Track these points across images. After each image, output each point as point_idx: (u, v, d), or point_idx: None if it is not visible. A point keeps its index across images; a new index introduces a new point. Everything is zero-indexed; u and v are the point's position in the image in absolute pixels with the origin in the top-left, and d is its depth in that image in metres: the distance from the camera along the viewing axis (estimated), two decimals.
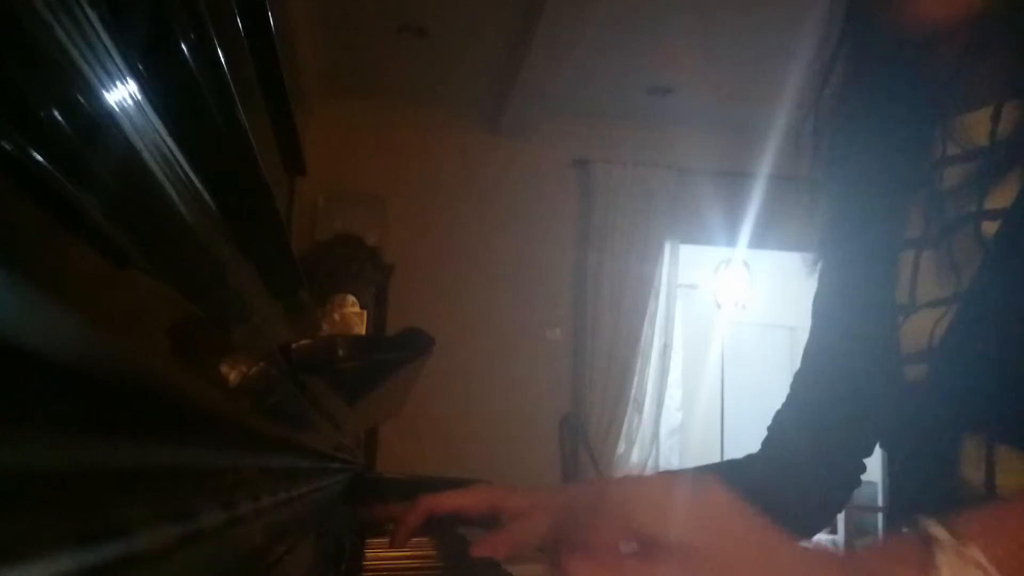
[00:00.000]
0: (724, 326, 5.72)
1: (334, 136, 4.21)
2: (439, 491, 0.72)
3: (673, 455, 5.27)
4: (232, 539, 0.34)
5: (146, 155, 0.31)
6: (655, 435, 4.41)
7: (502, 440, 4.08)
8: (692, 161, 4.42)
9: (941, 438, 0.58)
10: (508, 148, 4.41)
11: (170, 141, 0.35)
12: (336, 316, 3.76)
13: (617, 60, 3.84)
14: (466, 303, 4.22)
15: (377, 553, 0.95)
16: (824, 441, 0.76)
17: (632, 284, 4.30)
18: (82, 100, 0.25)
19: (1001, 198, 0.56)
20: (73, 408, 0.19)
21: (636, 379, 4.27)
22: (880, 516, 5.05)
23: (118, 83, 0.28)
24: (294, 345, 0.70)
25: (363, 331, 3.77)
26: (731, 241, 4.51)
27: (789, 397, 0.81)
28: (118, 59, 0.28)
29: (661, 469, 4.81)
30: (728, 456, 5.36)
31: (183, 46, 0.37)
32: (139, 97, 0.31)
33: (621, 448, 4.23)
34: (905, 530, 0.45)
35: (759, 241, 4.47)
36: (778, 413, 0.82)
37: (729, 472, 0.79)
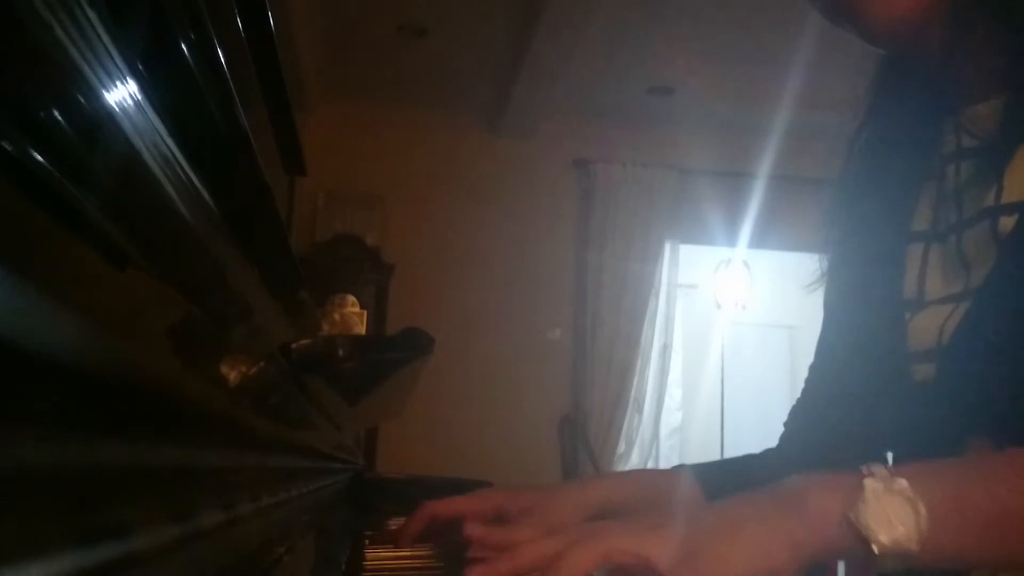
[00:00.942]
0: (724, 326, 5.72)
1: (334, 136, 4.21)
2: (439, 491, 0.72)
3: (673, 455, 5.27)
4: (232, 539, 0.34)
5: (146, 155, 0.31)
6: (655, 435, 4.41)
7: (502, 440, 4.08)
8: (692, 161, 4.42)
9: (947, 439, 0.58)
10: (508, 148, 4.41)
11: (170, 141, 0.35)
12: (336, 316, 3.76)
13: (617, 60, 3.84)
14: (466, 303, 4.22)
15: (377, 553, 0.95)
16: (835, 439, 0.75)
17: (632, 284, 4.30)
18: (82, 100, 0.25)
19: (1018, 192, 0.56)
20: (73, 408, 0.19)
21: (636, 379, 4.27)
22: None
23: (118, 83, 0.28)
24: (294, 345, 0.70)
25: (363, 331, 3.77)
26: (731, 241, 4.50)
27: (803, 392, 0.80)
28: (118, 59, 0.28)
29: (661, 468, 4.81)
30: (727, 456, 5.35)
31: (183, 46, 0.37)
32: (139, 97, 0.31)
33: (621, 448, 4.23)
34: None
35: (759, 241, 4.47)
36: (793, 409, 0.82)
37: (745, 466, 0.80)
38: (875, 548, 0.43)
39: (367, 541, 1.00)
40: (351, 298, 3.85)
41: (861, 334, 0.70)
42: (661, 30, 3.59)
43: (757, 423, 5.78)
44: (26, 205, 0.19)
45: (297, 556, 0.54)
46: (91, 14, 0.26)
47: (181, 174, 0.37)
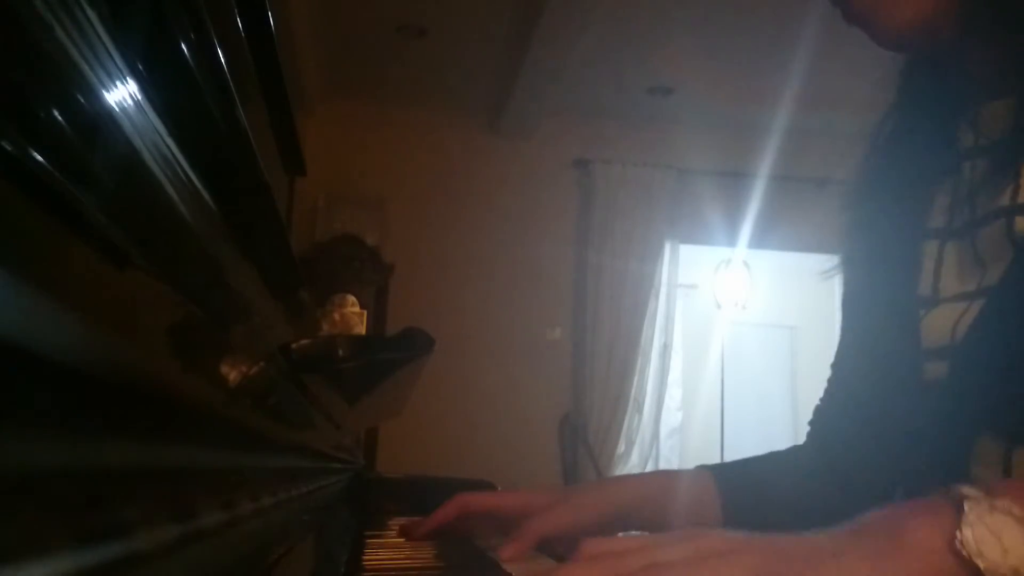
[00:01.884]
0: (724, 326, 5.72)
1: (334, 136, 4.21)
2: (439, 491, 0.73)
3: (673, 455, 5.27)
4: (232, 539, 0.34)
5: (146, 155, 0.31)
6: (655, 435, 4.41)
7: (502, 440, 4.08)
8: (692, 161, 4.42)
9: (959, 437, 0.58)
10: (508, 148, 4.41)
11: (170, 141, 0.35)
12: (336, 316, 3.76)
13: (617, 60, 3.84)
14: (466, 303, 4.22)
15: (377, 553, 0.95)
16: (857, 438, 0.75)
17: (632, 284, 4.30)
18: (82, 100, 0.25)
19: None
20: (73, 408, 0.19)
21: (636, 379, 4.27)
22: None
23: (118, 83, 0.28)
24: (294, 345, 0.70)
25: (363, 331, 3.77)
26: (731, 241, 4.50)
27: (826, 392, 0.81)
28: (118, 59, 0.28)
29: (662, 468, 4.82)
30: (727, 456, 5.35)
31: (183, 46, 0.37)
32: (139, 97, 0.31)
33: (621, 448, 4.23)
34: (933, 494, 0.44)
35: (759, 241, 4.47)
36: (817, 408, 0.82)
37: (767, 467, 0.80)
38: (986, 573, 0.40)
39: (367, 541, 1.00)
40: (351, 298, 3.85)
41: (875, 331, 0.70)
42: (661, 30, 3.59)
43: (757, 423, 5.78)
44: (26, 205, 0.19)
45: (297, 556, 0.54)
46: (91, 14, 0.26)
47: (181, 174, 0.37)
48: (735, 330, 5.82)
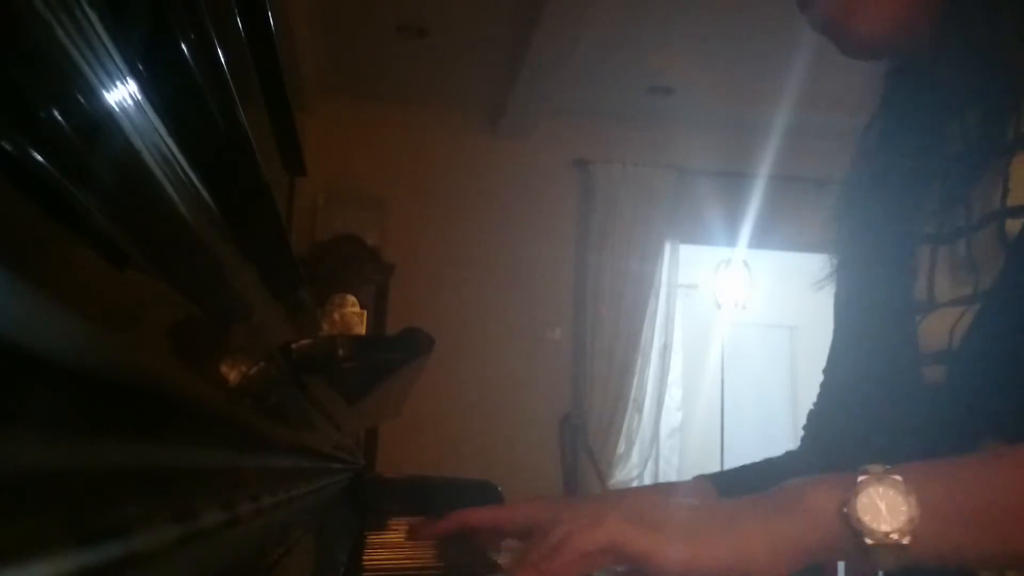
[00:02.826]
0: (724, 326, 5.72)
1: (334, 136, 4.21)
2: (439, 491, 0.72)
3: (673, 455, 5.26)
4: (232, 539, 0.34)
5: (146, 155, 0.31)
6: (655, 435, 4.41)
7: (502, 440, 4.08)
8: (692, 161, 4.42)
9: (958, 441, 0.58)
10: (508, 148, 4.41)
11: (170, 141, 0.35)
12: (336, 316, 3.76)
13: (617, 60, 3.84)
14: (466, 303, 4.22)
15: (377, 553, 0.95)
16: (852, 442, 0.75)
17: (632, 284, 4.30)
18: (82, 100, 0.25)
19: (1023, 194, 0.56)
20: (73, 408, 0.19)
21: (636, 379, 4.27)
22: None
23: (118, 83, 0.28)
24: (294, 345, 0.70)
25: (363, 331, 3.77)
26: (731, 241, 4.51)
27: (819, 396, 0.81)
28: (118, 59, 0.28)
29: (661, 469, 4.82)
30: (727, 456, 5.36)
31: (183, 46, 0.37)
32: (139, 97, 0.31)
33: (621, 448, 4.23)
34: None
35: (759, 241, 4.47)
36: (810, 413, 0.82)
37: (763, 472, 0.80)
38: (868, 540, 0.44)
39: (367, 541, 1.00)
40: (351, 298, 3.85)
41: (871, 336, 0.70)
42: (661, 30, 3.59)
43: (757, 423, 5.78)
44: (26, 205, 0.19)
45: (297, 556, 0.54)
46: (91, 14, 0.26)
47: (181, 174, 0.37)
48: (735, 330, 5.82)
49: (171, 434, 0.29)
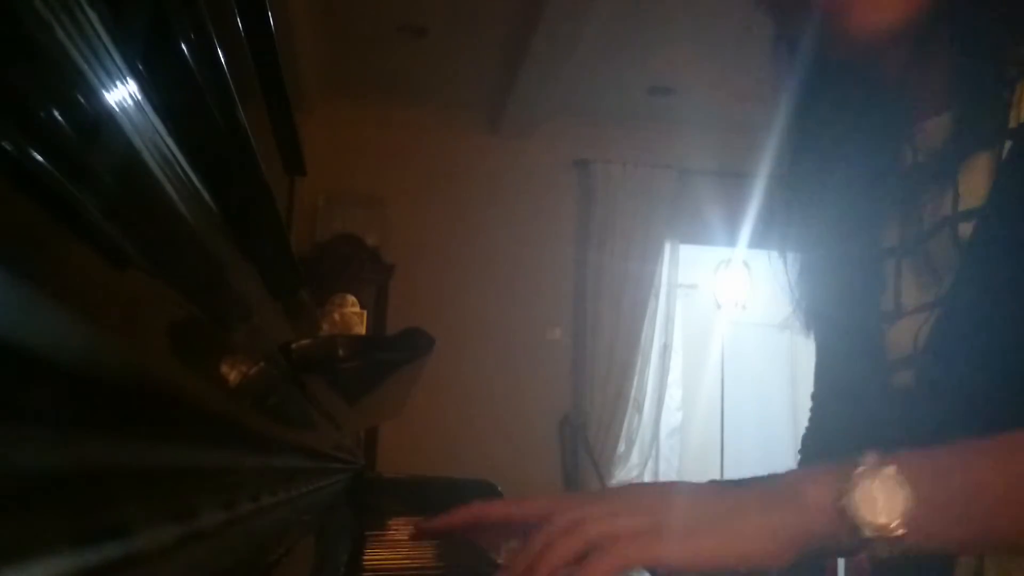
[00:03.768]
0: (724, 326, 5.72)
1: (334, 136, 4.21)
2: (439, 491, 0.72)
3: (673, 455, 5.26)
4: (232, 539, 0.34)
5: (146, 155, 0.31)
6: (655, 435, 4.41)
7: (502, 440, 4.08)
8: (692, 161, 4.42)
9: (930, 443, 0.59)
10: (508, 148, 4.41)
11: (170, 141, 0.35)
12: (336, 316, 3.76)
13: (617, 60, 3.84)
14: (466, 303, 4.22)
15: (377, 553, 0.95)
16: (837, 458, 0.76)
17: (632, 284, 4.29)
18: (82, 100, 0.25)
19: (973, 198, 0.57)
20: (73, 408, 0.19)
21: (636, 379, 4.26)
22: None
23: (118, 83, 0.28)
24: (294, 345, 0.70)
25: (363, 331, 3.77)
26: (731, 241, 4.50)
27: (810, 420, 0.81)
28: (118, 59, 0.28)
29: (661, 469, 4.82)
30: (727, 456, 5.35)
31: (183, 46, 0.37)
32: (139, 97, 0.31)
33: (621, 448, 4.23)
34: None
35: (759, 241, 4.47)
36: (804, 437, 0.82)
37: None
38: (865, 532, 0.44)
39: (367, 541, 1.00)
40: (351, 298, 3.85)
41: (841, 350, 0.72)
42: (661, 30, 3.59)
43: (757, 423, 5.77)
44: (26, 205, 0.19)
45: (297, 556, 0.54)
46: (91, 14, 0.26)
47: (181, 174, 0.37)
48: (735, 330, 5.82)
49: (171, 434, 0.29)
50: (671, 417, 5.06)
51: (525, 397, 4.22)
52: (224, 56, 0.43)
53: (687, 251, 4.58)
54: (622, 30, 3.56)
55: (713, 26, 3.53)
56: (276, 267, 0.69)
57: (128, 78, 0.30)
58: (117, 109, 0.28)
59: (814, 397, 0.81)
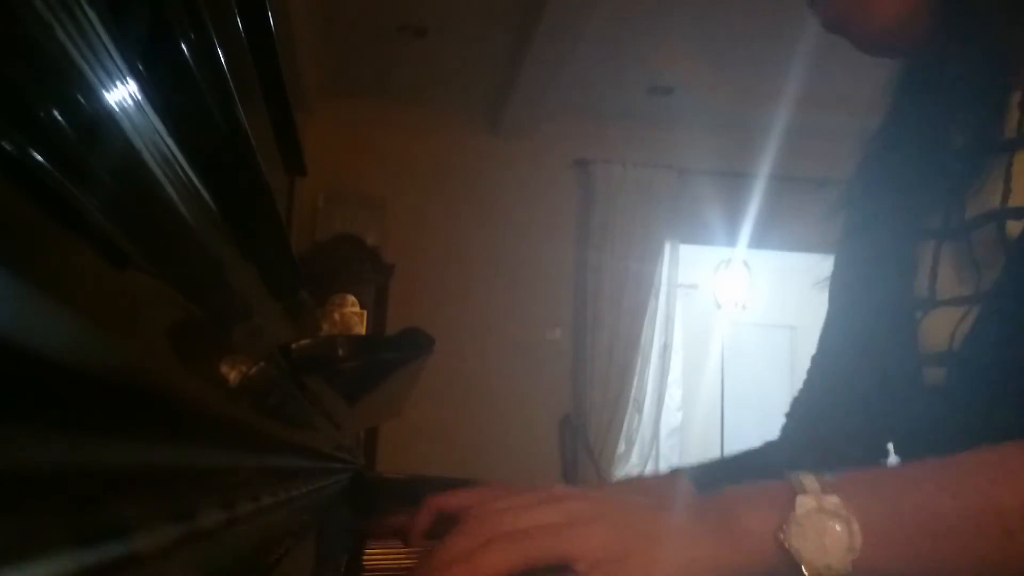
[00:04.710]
0: (724, 326, 5.72)
1: (334, 136, 4.21)
2: (439, 491, 0.72)
3: (673, 455, 5.27)
4: (232, 539, 0.34)
5: (146, 155, 0.31)
6: (655, 435, 4.41)
7: (502, 440, 4.08)
8: (692, 161, 4.42)
9: (957, 444, 0.58)
10: (508, 148, 4.41)
11: (170, 141, 0.35)
12: (336, 316, 3.76)
13: (617, 60, 3.84)
14: (466, 303, 4.22)
15: (377, 553, 0.95)
16: (839, 436, 0.74)
17: (632, 284, 4.29)
18: (82, 100, 0.25)
19: None
20: (73, 408, 0.19)
21: (636, 379, 4.26)
22: None
23: (118, 83, 0.28)
24: (294, 345, 0.70)
25: (363, 331, 3.77)
26: (731, 241, 4.50)
27: (805, 384, 0.80)
28: (118, 59, 0.28)
29: (661, 469, 4.82)
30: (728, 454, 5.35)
31: (183, 46, 0.37)
32: (139, 97, 0.31)
33: (621, 448, 4.23)
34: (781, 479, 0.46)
35: (759, 241, 4.47)
36: (794, 400, 0.81)
37: (742, 463, 0.79)
38: (806, 571, 0.42)
39: (366, 541, 1.00)
40: (351, 298, 3.85)
41: (870, 333, 0.69)
42: (661, 30, 3.59)
43: (757, 423, 5.77)
44: (26, 205, 0.19)
45: (297, 556, 0.54)
46: (91, 14, 0.26)
47: (181, 174, 0.37)
48: (735, 330, 5.82)
49: (171, 434, 0.29)
50: (671, 417, 5.07)
51: (525, 397, 4.22)
52: (224, 56, 0.43)
53: (687, 251, 4.58)
54: (622, 30, 3.56)
55: (713, 26, 3.53)
56: (276, 267, 0.69)
57: (128, 78, 0.30)
58: (117, 109, 0.28)
59: (815, 362, 0.79)
